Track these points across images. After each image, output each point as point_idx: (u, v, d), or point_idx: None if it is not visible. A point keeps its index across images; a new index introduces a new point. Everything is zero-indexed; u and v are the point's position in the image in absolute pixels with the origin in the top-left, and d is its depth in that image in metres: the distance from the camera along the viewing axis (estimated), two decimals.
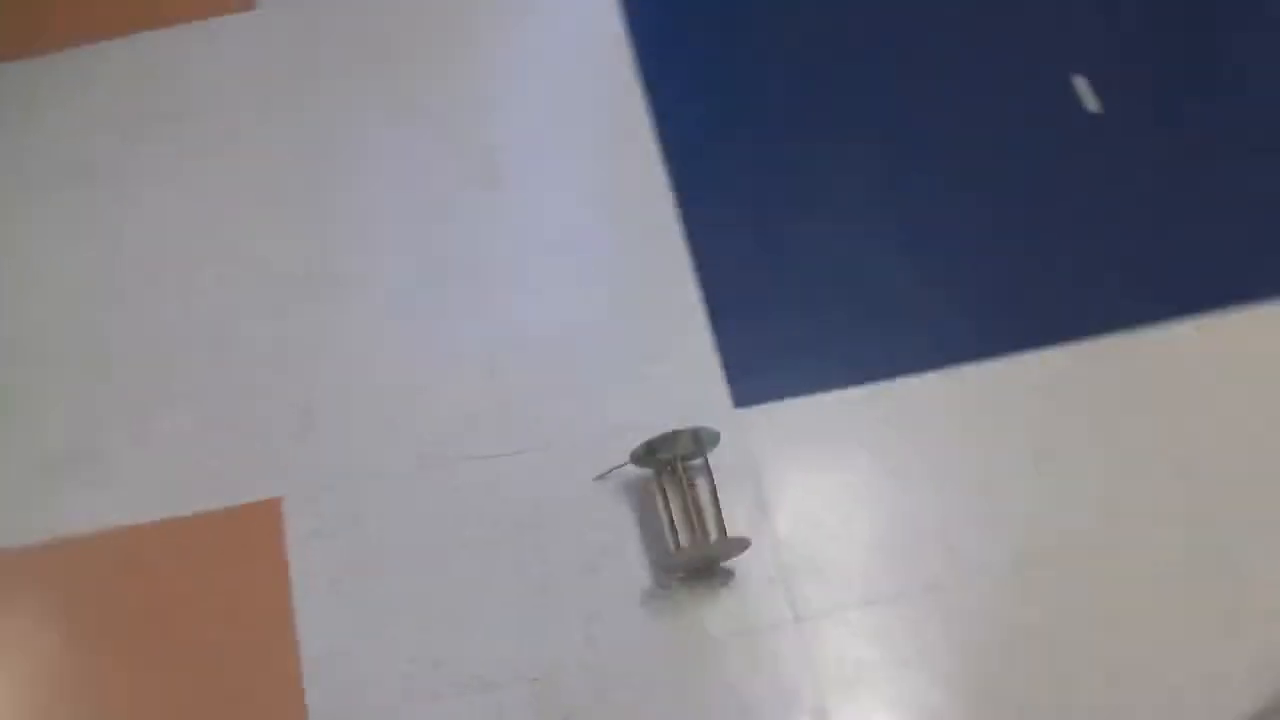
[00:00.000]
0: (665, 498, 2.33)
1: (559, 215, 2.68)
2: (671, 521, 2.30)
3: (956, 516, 2.34)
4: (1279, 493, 2.35)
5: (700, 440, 2.32)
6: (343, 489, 2.39)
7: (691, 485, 2.32)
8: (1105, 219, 2.68)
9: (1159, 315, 2.54)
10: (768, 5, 2.98)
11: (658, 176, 2.69)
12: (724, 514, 2.31)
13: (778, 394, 2.45)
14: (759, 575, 2.29)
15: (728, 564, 2.30)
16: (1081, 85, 2.83)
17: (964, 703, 2.18)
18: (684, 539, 2.28)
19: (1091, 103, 2.81)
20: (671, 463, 2.33)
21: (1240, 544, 2.30)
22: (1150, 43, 2.96)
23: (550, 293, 2.58)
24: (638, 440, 2.30)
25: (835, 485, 2.39)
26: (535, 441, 2.42)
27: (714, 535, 2.29)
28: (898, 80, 2.87)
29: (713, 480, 2.33)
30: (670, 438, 2.29)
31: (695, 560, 2.27)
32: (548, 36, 2.94)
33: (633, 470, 2.36)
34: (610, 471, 2.38)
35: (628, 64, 2.83)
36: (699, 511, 2.30)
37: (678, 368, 2.49)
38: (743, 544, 2.27)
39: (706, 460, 2.35)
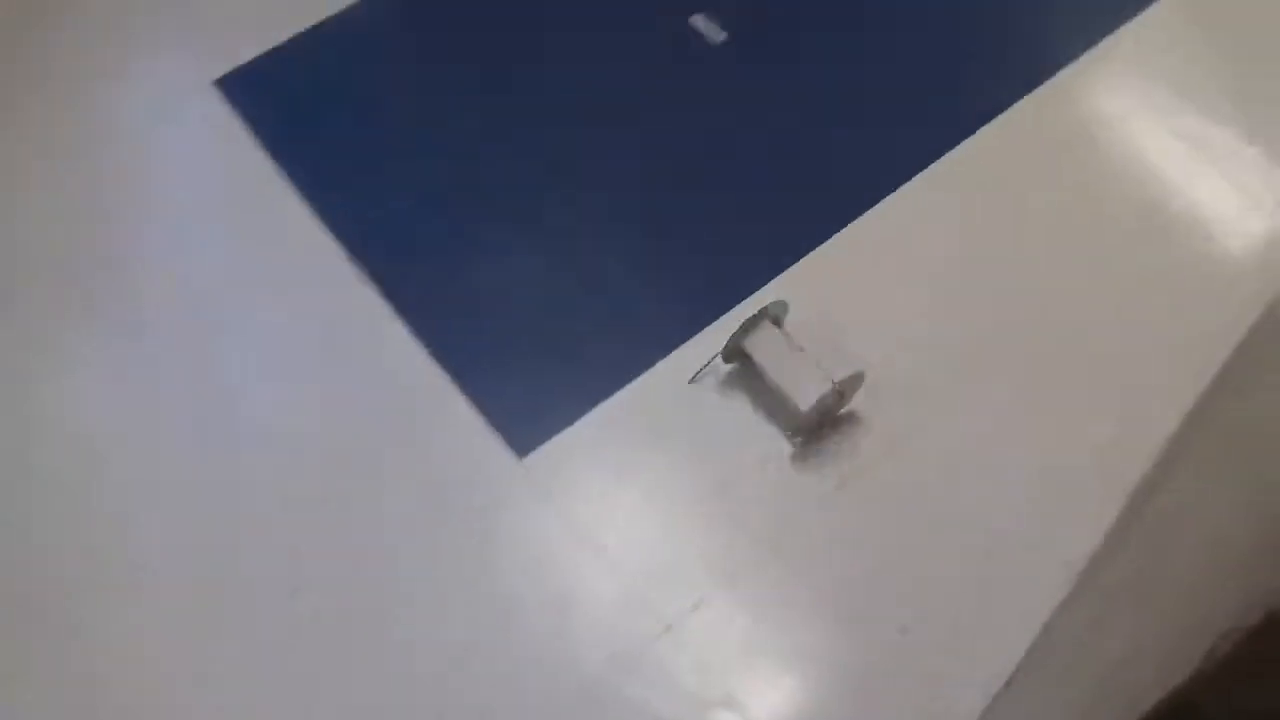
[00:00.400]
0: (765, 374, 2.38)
1: (277, 340, 2.58)
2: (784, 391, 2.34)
3: (761, 460, 2.39)
4: None
5: (773, 314, 2.39)
6: None
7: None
8: (782, 144, 2.79)
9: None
10: (366, 52, 2.96)
11: (346, 270, 2.62)
12: (549, 556, 2.31)
13: (553, 429, 2.42)
14: (612, 602, 2.27)
15: (846, 408, 2.42)
16: (700, 22, 2.89)
17: (846, 627, 2.23)
18: (803, 400, 2.31)
19: (717, 34, 2.87)
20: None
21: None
22: None
23: (299, 414, 2.49)
24: (433, 520, 2.31)
25: (644, 485, 2.38)
26: (351, 567, 2.34)
27: (829, 382, 2.31)
28: (535, 77, 2.89)
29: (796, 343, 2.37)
30: (748, 325, 2.36)
31: (822, 413, 2.36)
32: (197, 186, 2.82)
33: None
34: (703, 370, 2.45)
35: (276, 178, 2.75)
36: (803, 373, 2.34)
37: (448, 443, 2.43)
38: (858, 378, 2.36)
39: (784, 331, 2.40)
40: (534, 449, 2.39)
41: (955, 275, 2.63)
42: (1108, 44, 2.98)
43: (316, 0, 3.01)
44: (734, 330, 2.38)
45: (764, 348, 2.38)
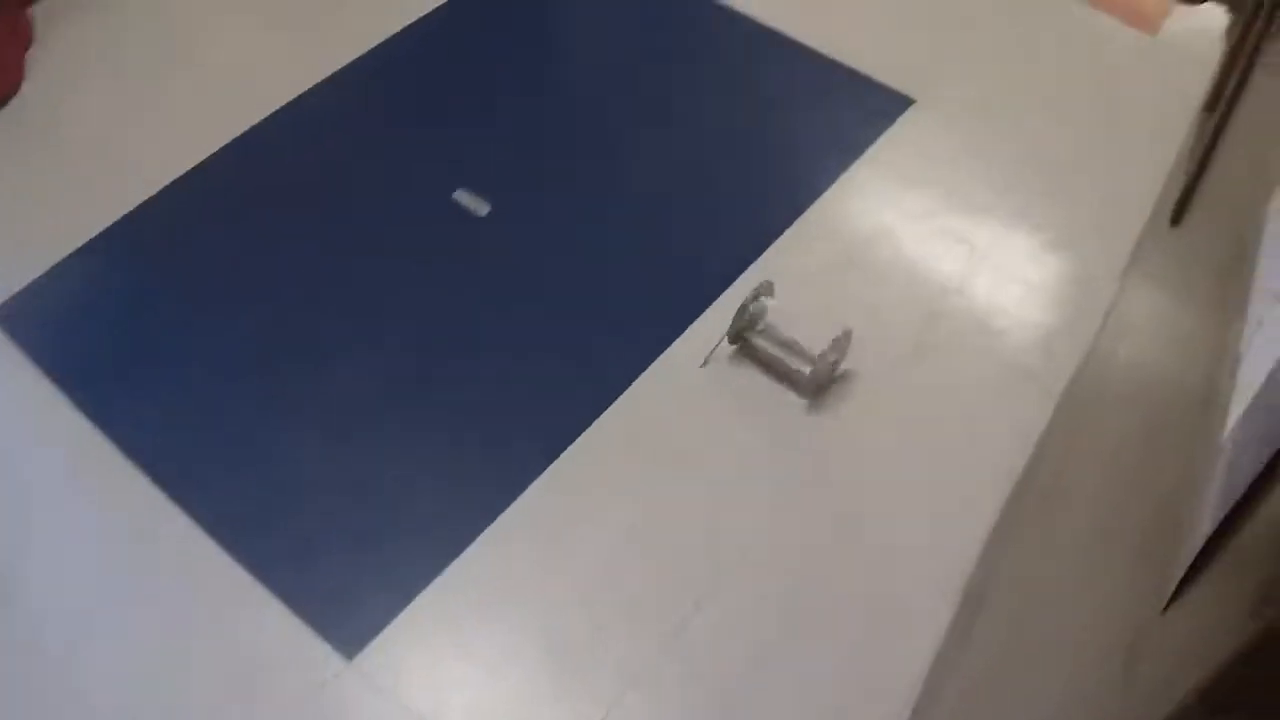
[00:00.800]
0: (769, 348, 2.67)
1: (85, 573, 2.43)
2: (789, 357, 2.64)
3: (597, 615, 2.36)
4: None
5: (763, 292, 2.65)
6: None
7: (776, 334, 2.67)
8: (555, 314, 2.80)
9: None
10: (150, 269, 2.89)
11: (146, 489, 2.52)
12: None
13: (379, 623, 2.34)
14: None
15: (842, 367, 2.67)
16: (464, 198, 2.88)
17: None
18: (806, 361, 2.61)
19: (482, 207, 2.87)
20: (753, 324, 2.68)
21: None
22: (493, 135, 3.08)
23: (113, 653, 2.34)
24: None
25: (484, 662, 2.31)
26: None
27: (824, 346, 2.59)
28: (304, 273, 2.85)
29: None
30: (742, 309, 2.62)
31: (824, 374, 2.61)
32: None
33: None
34: (711, 354, 2.67)
35: (62, 405, 2.65)
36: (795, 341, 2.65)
37: (273, 655, 2.33)
38: (848, 335, 2.62)
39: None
40: (362, 648, 2.31)
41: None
42: (861, 163, 3.07)
43: (78, 224, 2.96)
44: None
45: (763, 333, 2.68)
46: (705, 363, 2.64)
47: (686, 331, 2.74)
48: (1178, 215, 1.85)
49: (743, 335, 2.66)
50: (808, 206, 2.97)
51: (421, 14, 3.46)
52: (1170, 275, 1.92)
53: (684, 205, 3.00)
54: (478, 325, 2.75)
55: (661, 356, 2.71)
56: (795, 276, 2.84)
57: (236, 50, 3.39)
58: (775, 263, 2.86)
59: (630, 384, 2.66)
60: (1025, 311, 2.80)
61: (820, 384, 2.62)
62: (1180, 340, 1.56)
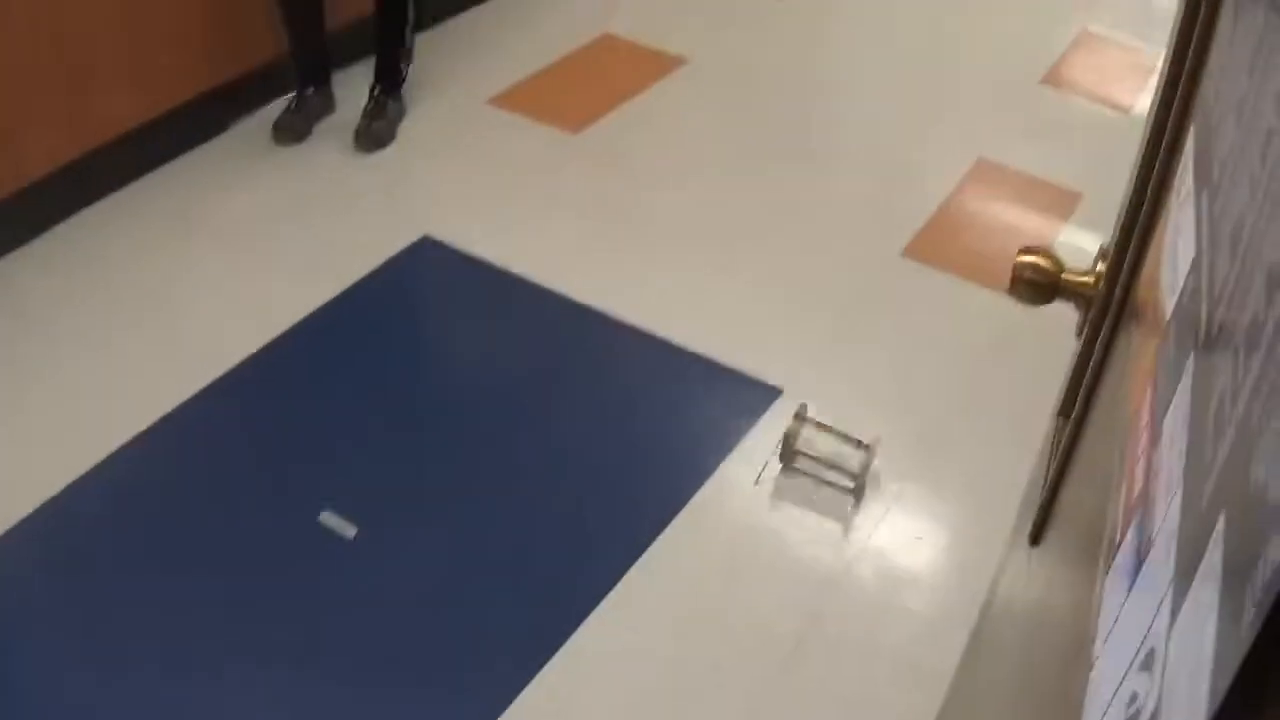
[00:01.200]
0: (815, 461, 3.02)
1: None
2: (831, 468, 3.00)
3: None
4: None
5: (800, 415, 3.02)
6: None
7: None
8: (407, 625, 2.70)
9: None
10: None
11: None
12: None
13: None
14: None
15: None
16: (331, 519, 2.81)
17: None
18: (850, 471, 2.98)
19: (348, 529, 2.80)
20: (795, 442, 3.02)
21: None
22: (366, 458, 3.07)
23: None
24: None
25: None
26: None
27: (859, 453, 3.00)
28: (172, 611, 2.70)
29: (821, 428, 3.04)
30: (788, 434, 2.98)
31: (864, 475, 2.98)
32: None
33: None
34: (762, 472, 3.01)
35: None
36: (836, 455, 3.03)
37: None
38: (876, 439, 3.00)
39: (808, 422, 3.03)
40: None
41: None
42: (734, 458, 3.09)
43: None
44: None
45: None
46: (758, 480, 3.01)
47: (548, 662, 2.63)
48: (1036, 536, 1.83)
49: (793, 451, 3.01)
50: (683, 507, 2.94)
51: (279, 332, 3.36)
52: (1034, 596, 1.89)
53: (557, 515, 2.96)
54: (337, 658, 2.64)
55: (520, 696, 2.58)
56: (675, 578, 2.81)
57: (84, 378, 3.24)
58: (658, 560, 2.82)
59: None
60: (907, 603, 2.78)
61: (859, 485, 2.98)
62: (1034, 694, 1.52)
